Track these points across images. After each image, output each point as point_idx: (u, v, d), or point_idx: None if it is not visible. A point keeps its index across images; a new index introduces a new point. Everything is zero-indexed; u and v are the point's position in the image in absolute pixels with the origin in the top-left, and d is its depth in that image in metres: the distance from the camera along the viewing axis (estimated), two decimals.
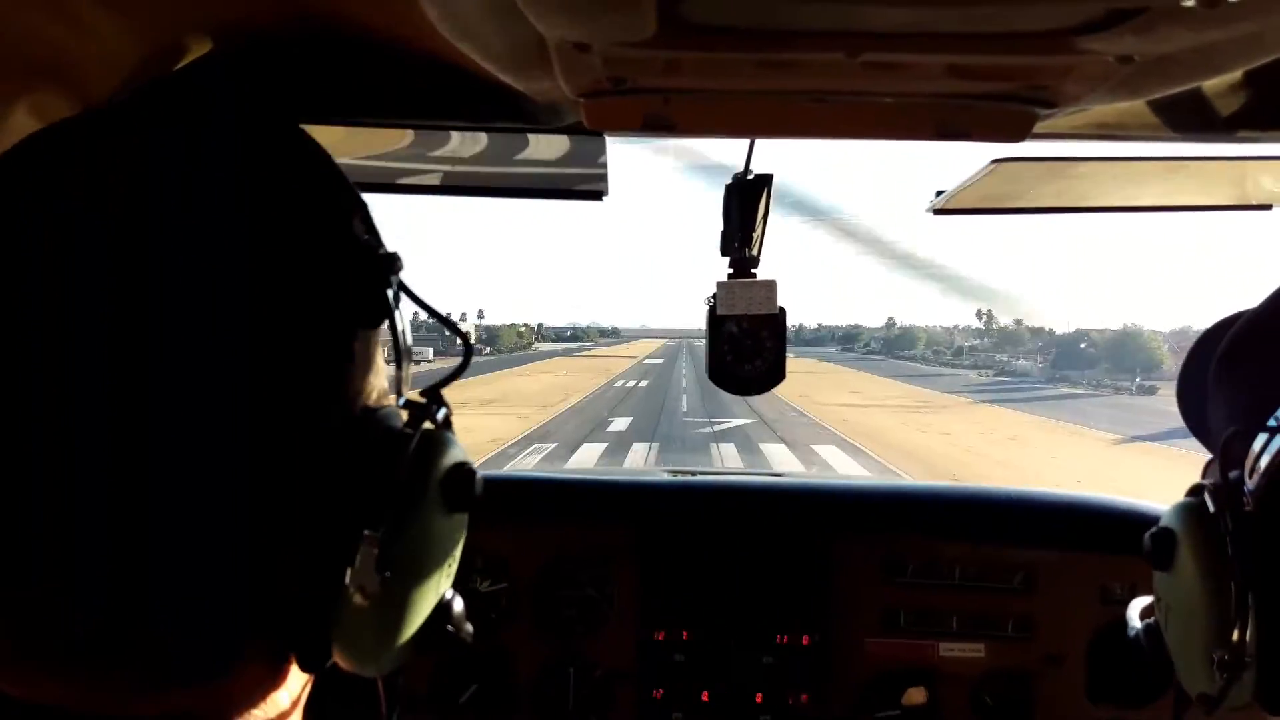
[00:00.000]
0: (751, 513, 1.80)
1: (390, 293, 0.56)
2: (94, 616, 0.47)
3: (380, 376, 0.57)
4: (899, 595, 1.71)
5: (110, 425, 0.46)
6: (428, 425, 0.55)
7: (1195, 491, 0.66)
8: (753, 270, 1.49)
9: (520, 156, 1.18)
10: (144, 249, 0.47)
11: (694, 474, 2.09)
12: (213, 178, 0.50)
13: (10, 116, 0.76)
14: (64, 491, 0.46)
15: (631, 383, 44.80)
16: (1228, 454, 0.62)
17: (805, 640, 1.70)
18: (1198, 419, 0.78)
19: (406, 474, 0.52)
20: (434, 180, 1.31)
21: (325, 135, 1.06)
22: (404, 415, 0.55)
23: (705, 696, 1.70)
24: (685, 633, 1.71)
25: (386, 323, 0.56)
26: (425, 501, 0.53)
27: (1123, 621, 0.80)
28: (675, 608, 1.72)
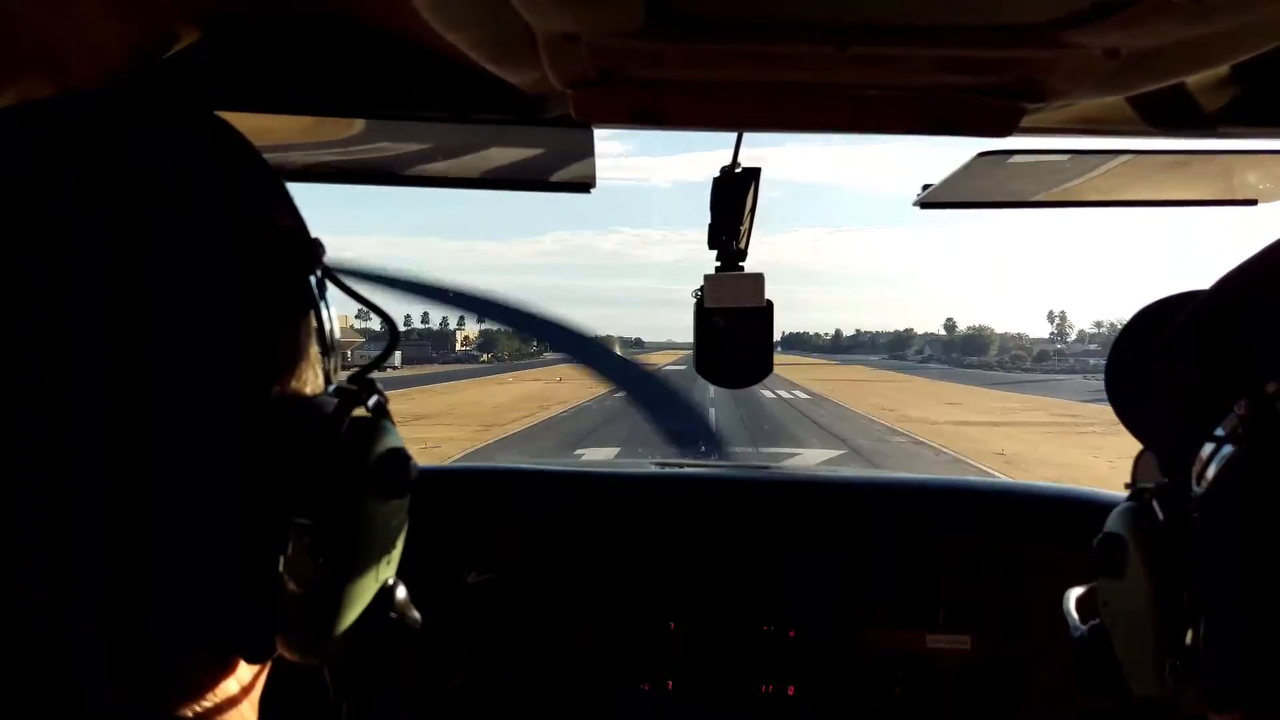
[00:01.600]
0: (738, 505, 1.81)
1: (314, 280, 0.56)
2: (29, 615, 0.47)
3: (312, 365, 0.57)
4: (885, 587, 1.72)
5: (31, 419, 0.46)
6: (360, 412, 0.55)
7: (1137, 494, 0.65)
8: (740, 263, 1.49)
9: (507, 148, 1.18)
10: (59, 246, 0.47)
11: (681, 465, 2.10)
12: (125, 172, 0.50)
13: None
14: None
15: None
16: (1174, 457, 0.62)
17: (791, 633, 1.70)
18: (1128, 406, 0.76)
19: (336, 460, 0.52)
20: (420, 171, 1.30)
21: (310, 125, 1.07)
22: (333, 402, 0.55)
23: (694, 688, 1.70)
24: (672, 624, 1.71)
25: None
26: (357, 488, 0.53)
27: (1083, 640, 0.78)
28: (662, 599, 1.73)
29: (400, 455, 0.55)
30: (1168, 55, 0.71)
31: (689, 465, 2.13)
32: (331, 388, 0.57)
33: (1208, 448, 0.58)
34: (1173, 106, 0.93)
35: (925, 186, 1.33)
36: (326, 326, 0.57)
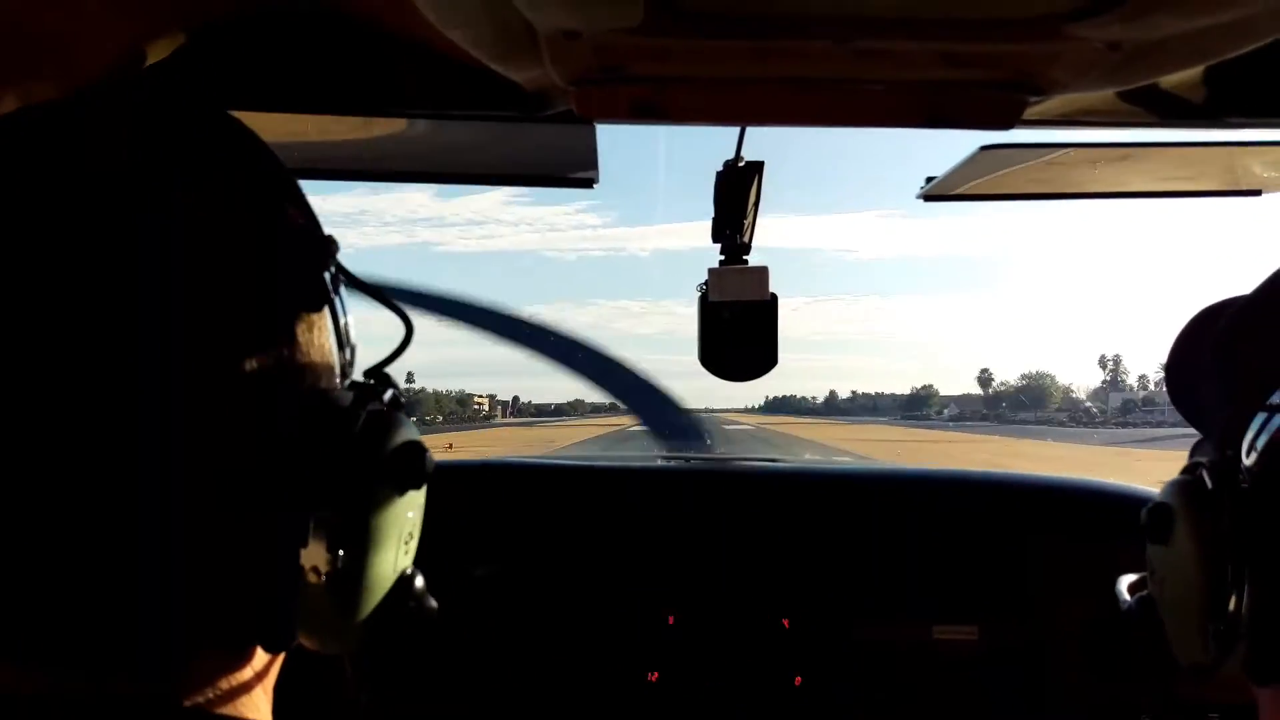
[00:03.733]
0: (743, 497, 1.81)
1: (328, 276, 0.57)
2: (47, 607, 0.48)
3: (328, 361, 0.57)
4: (891, 577, 1.72)
5: (49, 415, 0.46)
6: (375, 406, 0.55)
7: (1190, 469, 0.67)
8: (744, 257, 1.49)
9: (509, 145, 1.18)
10: (76, 245, 0.47)
11: (688, 459, 2.11)
12: (141, 170, 0.50)
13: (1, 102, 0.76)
14: (11, 480, 0.46)
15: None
16: (1226, 433, 0.63)
17: (796, 624, 1.71)
18: (1188, 401, 0.79)
19: (354, 453, 0.53)
20: (422, 169, 1.30)
21: (313, 123, 1.07)
22: (350, 397, 0.55)
23: (699, 679, 1.71)
24: (671, 617, 1.72)
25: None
26: (373, 480, 0.53)
27: (1131, 612, 0.81)
28: (668, 591, 1.73)
29: (417, 447, 0.56)
30: (1170, 48, 0.71)
31: (694, 458, 2.13)
32: (348, 383, 0.58)
33: (1259, 419, 0.60)
34: (1176, 98, 0.93)
35: (929, 179, 1.33)
36: (341, 322, 0.58)
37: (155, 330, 0.48)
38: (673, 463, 2.01)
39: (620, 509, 1.78)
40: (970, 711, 1.69)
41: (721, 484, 1.86)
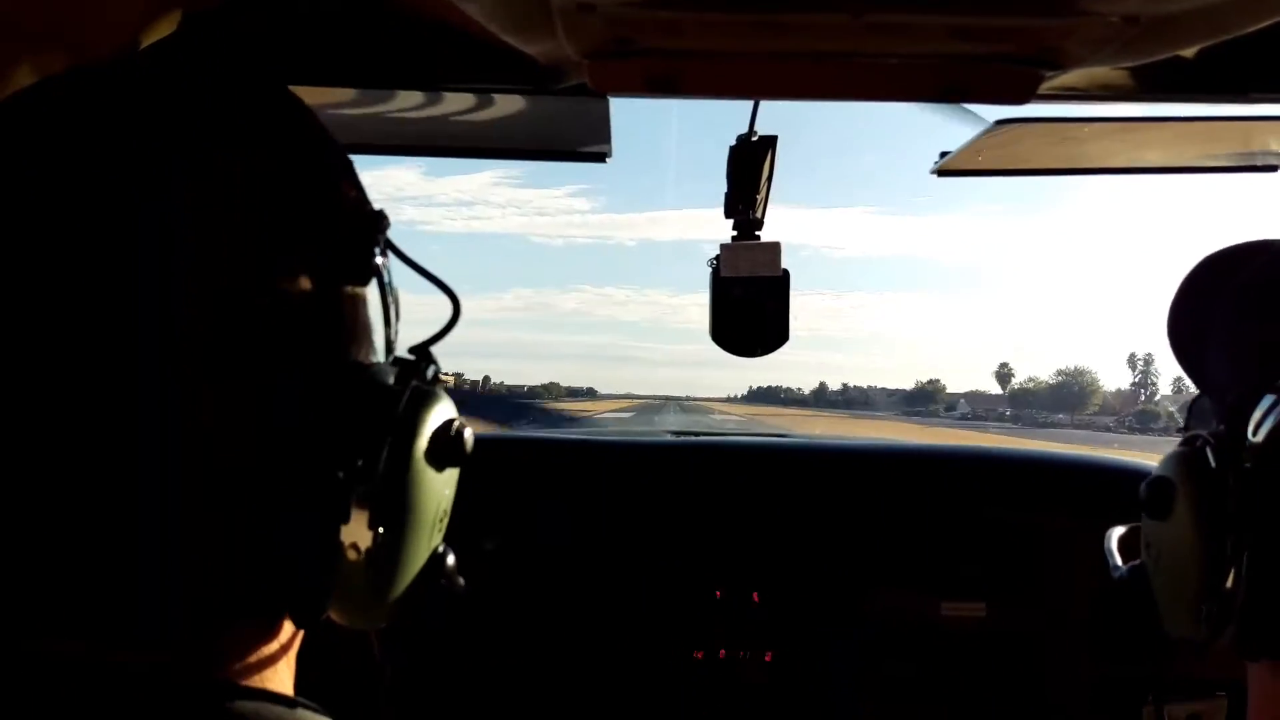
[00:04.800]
0: (753, 473, 1.82)
1: (377, 251, 0.56)
2: (79, 577, 0.48)
3: (374, 336, 0.58)
4: (901, 554, 1.73)
5: (86, 389, 0.46)
6: (417, 383, 0.55)
7: (1190, 441, 0.66)
8: (756, 233, 1.49)
9: (523, 118, 1.18)
10: (121, 215, 0.47)
11: (697, 435, 2.11)
12: (190, 140, 0.50)
13: (12, 78, 0.76)
14: (42, 452, 0.47)
15: None
16: (1234, 408, 0.62)
17: (803, 598, 1.72)
18: (1190, 352, 0.76)
19: (396, 431, 0.53)
20: (435, 142, 1.31)
21: (327, 95, 1.07)
22: (393, 373, 0.56)
23: (699, 655, 1.72)
24: (678, 589, 1.73)
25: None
26: (416, 458, 0.53)
27: (1123, 580, 0.80)
28: (669, 565, 1.74)
29: (457, 426, 0.56)
30: (1187, 22, 0.70)
31: (704, 435, 2.14)
32: (391, 359, 0.58)
33: (1267, 400, 0.59)
34: (1192, 73, 0.92)
35: (943, 154, 1.33)
36: (389, 298, 0.58)
37: (210, 295, 0.48)
38: (683, 439, 2.02)
39: (631, 485, 1.79)
40: (977, 687, 1.70)
41: (732, 460, 1.87)
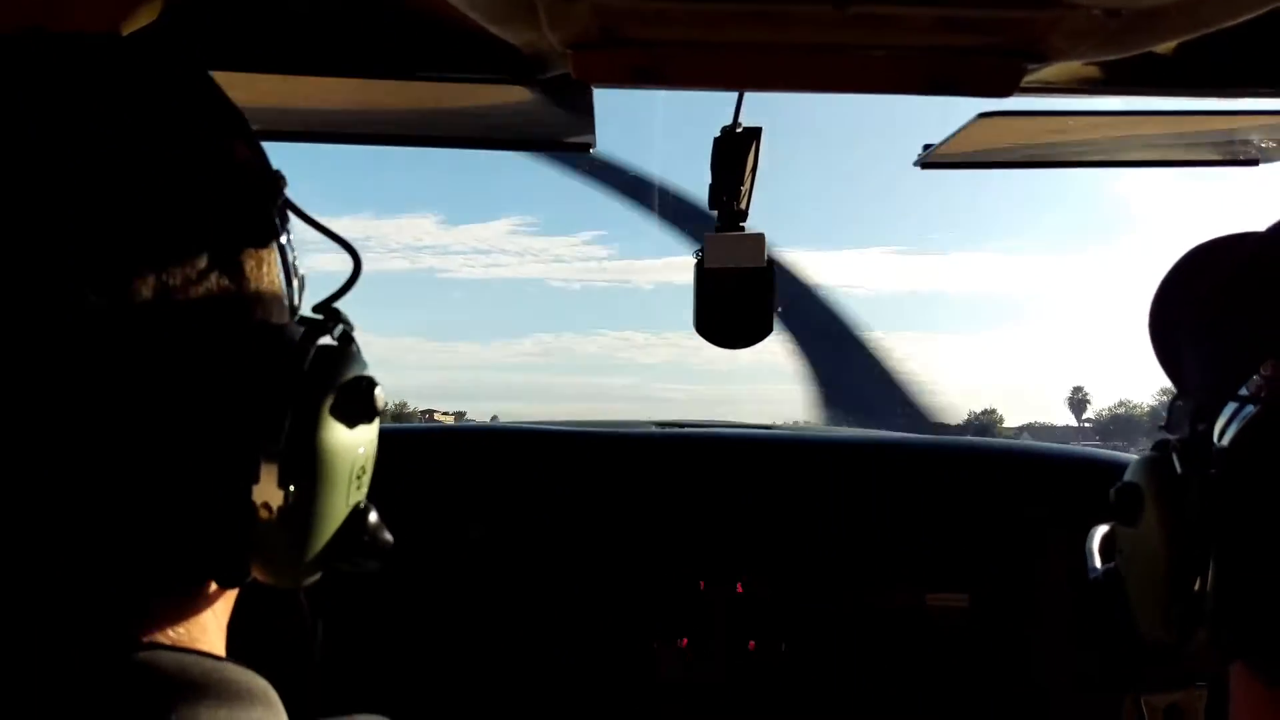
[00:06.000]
0: (736, 465, 1.82)
1: (275, 212, 0.56)
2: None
3: (276, 296, 0.57)
4: (884, 545, 1.74)
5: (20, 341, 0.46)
6: (326, 340, 0.55)
7: (1161, 445, 0.65)
8: (741, 224, 1.49)
9: (506, 108, 1.17)
10: (13, 182, 0.47)
11: (682, 426, 2.11)
12: (89, 109, 0.50)
13: None
14: None
15: None
16: (1199, 410, 0.62)
17: (785, 589, 1.73)
18: (1168, 351, 0.75)
19: (303, 389, 0.52)
20: (419, 132, 1.30)
21: (309, 86, 1.06)
22: (298, 332, 0.55)
23: (684, 643, 1.73)
24: (664, 579, 1.74)
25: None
26: (322, 414, 0.53)
27: (1098, 582, 0.80)
28: (653, 554, 1.75)
29: (367, 382, 0.55)
30: (1168, 15, 0.70)
31: (689, 426, 2.14)
32: (296, 318, 0.58)
33: (1231, 406, 0.58)
34: (1175, 66, 0.93)
35: (926, 147, 1.33)
36: (290, 257, 0.58)
37: (106, 256, 0.48)
38: (668, 430, 2.02)
39: (617, 476, 1.79)
40: (961, 677, 1.71)
41: (717, 451, 1.87)
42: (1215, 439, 0.59)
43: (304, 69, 0.97)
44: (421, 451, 1.80)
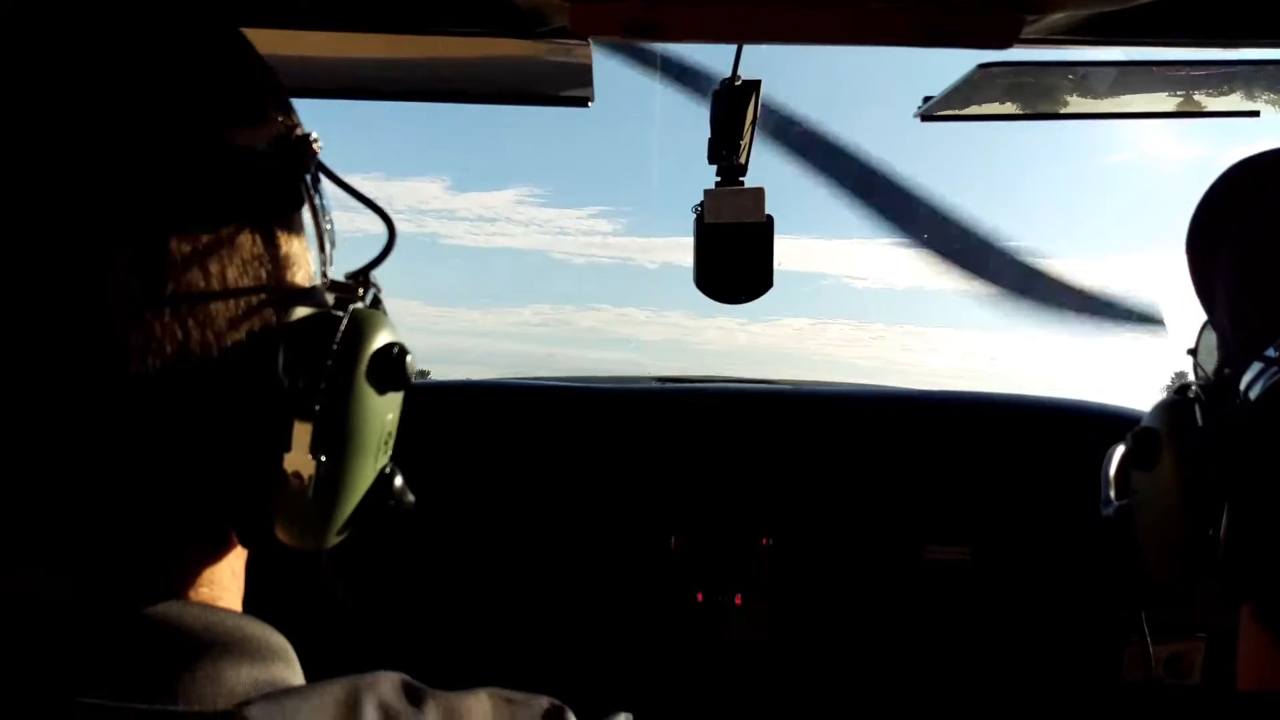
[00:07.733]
0: (737, 419, 1.83)
1: (308, 176, 0.56)
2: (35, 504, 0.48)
3: (309, 261, 0.57)
4: (884, 498, 1.75)
5: (16, 323, 0.46)
6: (357, 306, 0.55)
7: (1182, 389, 0.64)
8: (740, 178, 1.49)
9: (504, 62, 1.16)
10: (45, 147, 0.47)
11: (681, 381, 2.12)
12: (107, 68, 0.49)
13: None
14: None
15: None
16: (1226, 358, 0.62)
17: (784, 544, 1.74)
18: (1202, 275, 0.69)
19: (335, 355, 0.52)
20: (415, 86, 1.29)
21: (303, 40, 1.05)
22: (331, 299, 0.55)
23: (699, 597, 1.75)
24: (672, 539, 1.75)
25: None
26: (356, 384, 0.53)
27: (1109, 520, 0.79)
28: (658, 512, 1.76)
29: (399, 349, 0.55)
30: None
31: (688, 382, 2.14)
32: (328, 283, 0.57)
33: (1256, 366, 0.57)
34: (1175, 16, 0.92)
35: (926, 99, 1.32)
36: (322, 222, 0.57)
37: (139, 218, 0.48)
38: (668, 385, 2.03)
39: (615, 430, 1.80)
40: (961, 631, 1.73)
41: (716, 406, 1.88)
42: (1240, 391, 0.58)
43: (296, 23, 0.96)
44: (438, 408, 1.81)
